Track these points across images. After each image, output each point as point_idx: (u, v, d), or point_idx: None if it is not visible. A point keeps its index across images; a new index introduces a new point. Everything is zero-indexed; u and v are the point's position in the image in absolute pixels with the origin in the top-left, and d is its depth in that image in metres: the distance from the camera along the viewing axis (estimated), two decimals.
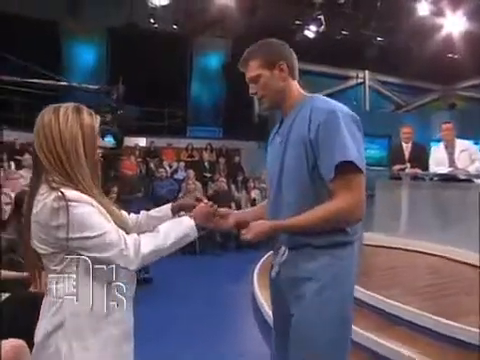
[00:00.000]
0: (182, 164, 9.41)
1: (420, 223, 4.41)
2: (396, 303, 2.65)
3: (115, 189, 4.85)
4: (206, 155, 10.05)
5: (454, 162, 4.48)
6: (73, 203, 1.17)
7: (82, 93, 10.60)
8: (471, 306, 2.61)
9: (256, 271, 4.76)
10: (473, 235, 3.39)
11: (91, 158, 1.27)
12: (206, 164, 9.63)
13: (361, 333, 2.49)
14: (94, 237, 1.18)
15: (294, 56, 1.49)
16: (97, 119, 1.31)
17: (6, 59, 9.13)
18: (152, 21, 10.16)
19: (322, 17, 9.07)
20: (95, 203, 1.23)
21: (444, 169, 4.50)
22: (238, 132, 11.37)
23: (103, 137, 8.10)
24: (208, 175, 9.20)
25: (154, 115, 11.26)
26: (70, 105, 1.27)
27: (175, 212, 1.51)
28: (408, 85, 14.49)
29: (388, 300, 2.70)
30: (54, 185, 1.20)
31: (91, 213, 1.19)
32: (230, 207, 7.08)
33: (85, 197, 1.21)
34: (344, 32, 10.83)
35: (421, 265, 3.91)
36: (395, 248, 4.54)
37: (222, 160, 9.71)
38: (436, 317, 2.48)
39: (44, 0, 9.63)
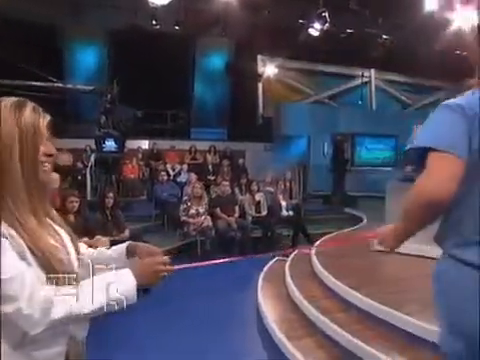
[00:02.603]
0: (185, 167, 9.21)
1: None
2: (416, 321, 2.39)
3: (111, 194, 4.64)
4: (209, 157, 9.85)
5: None
6: None
7: (81, 95, 10.47)
8: None
9: (261, 277, 4.55)
10: None
11: (30, 168, 0.96)
12: (210, 167, 9.43)
13: (378, 356, 2.25)
14: None
15: None
16: (45, 118, 1.02)
17: (5, 62, 9.03)
18: (154, 22, 9.96)
19: (327, 14, 8.80)
20: (9, 233, 0.91)
21: None
22: (242, 133, 11.16)
23: (104, 141, 7.95)
24: (211, 178, 9.00)
25: (156, 117, 11.10)
26: (12, 100, 1.00)
27: (130, 254, 1.20)
28: (415, 83, 14.19)
29: (407, 317, 2.44)
30: None
31: None
32: (234, 211, 6.88)
33: None
34: (349, 30, 10.59)
35: None
36: (407, 255, 4.28)
37: (226, 162, 9.50)
38: None
39: (45, 4, 9.49)
